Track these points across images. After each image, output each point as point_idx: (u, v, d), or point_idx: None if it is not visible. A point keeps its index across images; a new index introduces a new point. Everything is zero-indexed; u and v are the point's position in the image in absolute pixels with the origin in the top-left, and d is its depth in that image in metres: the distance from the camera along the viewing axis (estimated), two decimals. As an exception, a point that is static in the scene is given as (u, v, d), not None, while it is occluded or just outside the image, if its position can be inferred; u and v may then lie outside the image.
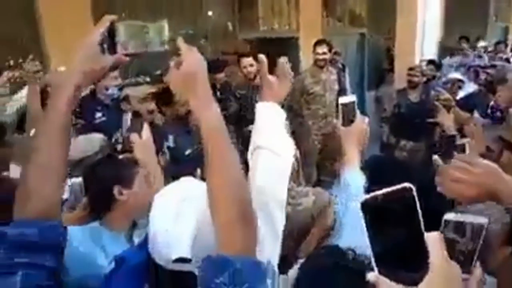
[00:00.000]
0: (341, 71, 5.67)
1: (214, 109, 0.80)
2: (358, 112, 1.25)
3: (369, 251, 0.53)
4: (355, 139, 1.22)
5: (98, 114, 3.01)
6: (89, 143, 1.90)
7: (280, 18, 6.32)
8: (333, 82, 4.18)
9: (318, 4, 6.40)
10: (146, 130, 1.41)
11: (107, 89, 2.91)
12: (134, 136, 1.40)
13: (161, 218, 0.84)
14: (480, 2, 8.47)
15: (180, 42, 0.83)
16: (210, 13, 5.65)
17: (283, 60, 4.73)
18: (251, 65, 3.74)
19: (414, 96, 3.99)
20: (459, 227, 0.69)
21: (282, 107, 1.17)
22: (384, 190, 0.52)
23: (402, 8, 5.07)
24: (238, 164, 0.79)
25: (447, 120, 2.63)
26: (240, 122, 3.65)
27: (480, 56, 6.05)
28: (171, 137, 2.81)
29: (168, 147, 2.75)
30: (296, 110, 4.20)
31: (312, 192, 1.32)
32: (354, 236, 0.94)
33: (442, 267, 0.51)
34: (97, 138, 2.01)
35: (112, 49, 0.80)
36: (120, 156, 1.57)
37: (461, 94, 4.14)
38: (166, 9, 5.08)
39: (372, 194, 0.53)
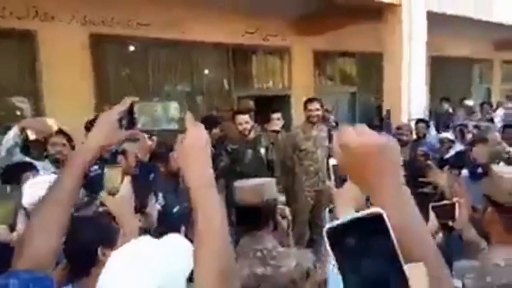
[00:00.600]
0: (334, 128, 5.84)
1: (207, 184, 0.83)
2: None
3: None
4: (349, 200, 1.16)
5: (95, 167, 3.01)
6: None
7: (273, 76, 6.62)
8: (324, 139, 4.27)
9: (310, 63, 6.74)
10: (126, 185, 1.33)
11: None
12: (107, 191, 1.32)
13: (113, 279, 0.81)
14: (464, 66, 8.99)
15: (188, 117, 0.89)
16: (206, 71, 5.92)
17: (276, 116, 4.83)
18: (247, 122, 3.87)
19: (403, 155, 4.06)
20: None
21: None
22: (351, 216, 0.48)
23: (388, 71, 5.35)
24: (225, 233, 0.80)
25: (440, 180, 2.66)
26: (230, 176, 3.67)
27: (472, 113, 6.33)
28: (160, 194, 2.81)
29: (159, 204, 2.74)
30: (289, 166, 4.25)
31: (295, 254, 1.30)
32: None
33: None
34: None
35: (130, 125, 0.91)
36: (100, 209, 1.53)
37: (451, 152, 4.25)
38: (163, 65, 5.35)
39: (338, 221, 0.48)
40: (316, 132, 4.24)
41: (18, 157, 2.54)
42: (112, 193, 1.30)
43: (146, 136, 3.05)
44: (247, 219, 1.34)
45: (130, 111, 0.90)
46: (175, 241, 0.95)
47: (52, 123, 2.50)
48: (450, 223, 1.83)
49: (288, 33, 6.30)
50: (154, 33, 5.05)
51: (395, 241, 0.47)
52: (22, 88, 4.32)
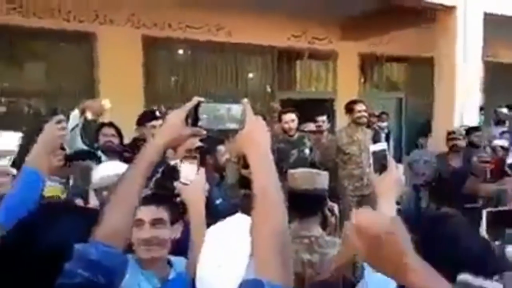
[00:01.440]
0: (378, 133, 5.71)
1: (270, 171, 0.89)
2: (391, 160, 1.23)
3: None
4: (389, 186, 1.19)
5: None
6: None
7: (318, 80, 6.58)
8: (369, 142, 4.17)
9: (355, 67, 6.62)
10: (201, 176, 1.43)
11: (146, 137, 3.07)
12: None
13: (212, 256, 0.85)
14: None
15: (247, 106, 0.94)
16: (250, 75, 6.00)
17: (321, 119, 4.77)
18: (293, 121, 3.89)
19: (455, 162, 3.88)
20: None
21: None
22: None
23: (440, 76, 5.13)
24: (282, 204, 0.85)
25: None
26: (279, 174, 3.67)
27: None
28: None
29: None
30: (331, 169, 4.18)
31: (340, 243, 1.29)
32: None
33: None
34: None
35: (194, 123, 0.96)
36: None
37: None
38: (210, 68, 5.49)
39: None
40: (361, 135, 4.15)
41: (79, 143, 2.72)
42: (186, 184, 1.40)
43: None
44: (297, 205, 1.35)
45: (195, 110, 0.95)
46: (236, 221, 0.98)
47: (106, 103, 2.67)
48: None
49: (334, 37, 6.24)
50: (202, 36, 5.21)
51: None
52: (80, 88, 4.61)
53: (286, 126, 3.87)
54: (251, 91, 5.92)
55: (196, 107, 0.95)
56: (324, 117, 4.79)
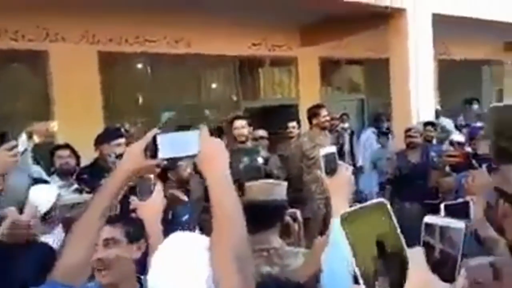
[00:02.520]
0: (340, 136, 5.84)
1: (227, 187, 0.93)
2: (340, 162, 1.27)
3: None
4: (340, 187, 1.23)
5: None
6: None
7: (281, 87, 6.65)
8: (329, 145, 4.24)
9: (316, 72, 6.75)
10: (158, 192, 1.41)
11: (110, 156, 2.99)
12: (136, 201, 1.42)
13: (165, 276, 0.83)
14: (473, 68, 8.89)
15: (203, 129, 0.98)
16: (213, 85, 5.98)
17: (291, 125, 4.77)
18: (243, 127, 3.79)
19: (414, 158, 4.02)
20: (439, 231, 0.67)
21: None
22: (361, 205, 0.57)
23: (395, 76, 5.32)
24: (241, 220, 0.90)
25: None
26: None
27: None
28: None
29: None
30: (296, 175, 4.21)
31: (304, 253, 1.29)
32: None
33: (421, 281, 0.54)
34: None
35: (153, 155, 0.98)
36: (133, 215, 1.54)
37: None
38: (171, 80, 5.43)
39: (350, 209, 0.57)
40: (323, 138, 4.22)
41: (29, 168, 2.60)
42: (143, 199, 1.40)
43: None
44: (255, 217, 1.34)
45: (154, 141, 0.98)
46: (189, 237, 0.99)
47: (53, 125, 2.59)
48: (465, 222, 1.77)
49: (294, 43, 6.34)
50: (161, 49, 5.15)
51: (397, 226, 0.57)
52: (34, 110, 4.42)
53: (236, 132, 3.77)
54: (215, 102, 5.90)
55: (154, 138, 0.98)
56: (295, 123, 4.84)
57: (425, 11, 5.26)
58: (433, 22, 5.27)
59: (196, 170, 3.02)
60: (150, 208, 1.40)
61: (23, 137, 2.52)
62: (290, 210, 1.69)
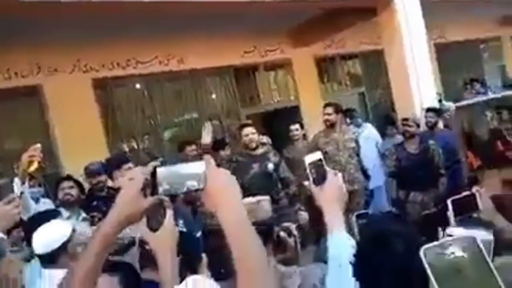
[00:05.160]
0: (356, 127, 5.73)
1: (245, 225, 0.83)
2: (328, 168, 1.17)
3: None
4: (331, 197, 1.13)
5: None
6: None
7: (279, 90, 6.61)
8: (348, 140, 4.20)
9: (313, 71, 6.71)
10: (169, 219, 1.19)
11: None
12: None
13: None
14: (471, 47, 8.76)
15: (208, 159, 0.90)
16: (213, 96, 5.98)
17: (294, 128, 4.74)
18: (253, 133, 3.83)
19: (412, 148, 3.97)
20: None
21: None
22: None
23: (391, 66, 5.26)
24: (266, 267, 0.81)
25: None
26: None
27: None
28: (181, 222, 2.78)
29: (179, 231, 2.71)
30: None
31: (300, 272, 1.22)
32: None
33: None
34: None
35: (153, 192, 0.88)
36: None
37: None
38: (169, 98, 5.44)
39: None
40: (338, 134, 4.19)
41: (29, 207, 2.58)
42: (154, 229, 1.18)
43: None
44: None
45: (153, 177, 0.88)
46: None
47: (38, 146, 2.44)
48: (475, 215, 1.71)
49: (286, 45, 6.31)
50: (155, 68, 5.17)
51: None
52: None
53: (246, 139, 3.81)
54: (216, 113, 5.89)
55: (153, 173, 0.88)
56: (297, 125, 4.81)
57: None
58: (425, 6, 5.21)
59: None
60: (163, 239, 1.20)
61: (16, 180, 2.49)
62: (285, 225, 1.62)
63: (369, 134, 5.47)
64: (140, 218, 0.94)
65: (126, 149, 5.06)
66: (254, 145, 3.80)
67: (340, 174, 1.20)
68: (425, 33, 5.26)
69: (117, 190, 2.91)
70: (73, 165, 3.90)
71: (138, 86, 5.32)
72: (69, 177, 3.10)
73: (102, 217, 2.78)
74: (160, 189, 0.87)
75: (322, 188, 1.14)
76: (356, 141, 4.26)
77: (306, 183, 1.17)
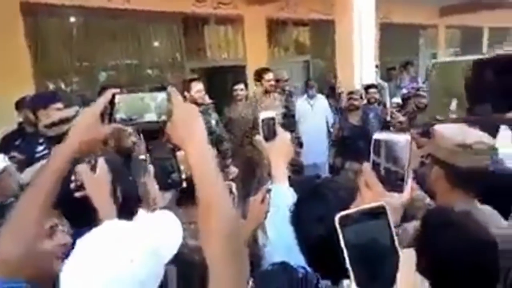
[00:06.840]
0: (289, 97, 5.87)
1: (209, 157, 0.82)
2: (279, 127, 1.27)
3: None
4: (279, 152, 1.24)
5: (40, 148, 2.81)
6: None
7: (227, 47, 6.45)
8: (277, 107, 4.29)
9: (263, 33, 6.63)
10: (101, 165, 1.21)
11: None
12: (82, 168, 1.20)
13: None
14: (411, 32, 9.27)
15: (172, 91, 0.84)
16: (156, 43, 5.65)
17: (239, 88, 4.72)
18: (203, 90, 3.68)
19: (355, 120, 4.21)
20: (384, 145, 0.69)
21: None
22: (360, 208, 0.56)
23: (339, 38, 5.39)
24: (226, 195, 0.82)
25: None
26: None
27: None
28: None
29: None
30: (248, 135, 4.23)
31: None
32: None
33: (409, 283, 0.54)
34: None
35: (111, 119, 0.84)
36: (77, 194, 1.30)
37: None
38: (108, 37, 5.03)
39: (348, 211, 0.56)
40: (270, 101, 4.25)
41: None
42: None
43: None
44: (183, 192, 1.33)
45: (111, 104, 0.83)
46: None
47: None
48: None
49: (240, 1, 6.11)
50: (95, 2, 4.70)
51: (393, 230, 0.56)
52: None
53: (197, 95, 3.61)
54: (158, 62, 5.61)
55: (112, 100, 0.83)
56: (242, 85, 4.75)
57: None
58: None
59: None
60: (97, 182, 1.21)
61: None
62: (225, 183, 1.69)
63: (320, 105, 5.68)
64: (98, 147, 0.91)
65: (51, 88, 4.65)
66: (205, 101, 3.67)
67: (288, 133, 1.30)
68: (374, 9, 5.43)
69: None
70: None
71: (72, 19, 4.83)
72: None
73: (25, 159, 2.58)
74: (118, 117, 0.83)
75: (271, 143, 1.23)
76: (287, 108, 4.41)
77: (257, 137, 1.25)
